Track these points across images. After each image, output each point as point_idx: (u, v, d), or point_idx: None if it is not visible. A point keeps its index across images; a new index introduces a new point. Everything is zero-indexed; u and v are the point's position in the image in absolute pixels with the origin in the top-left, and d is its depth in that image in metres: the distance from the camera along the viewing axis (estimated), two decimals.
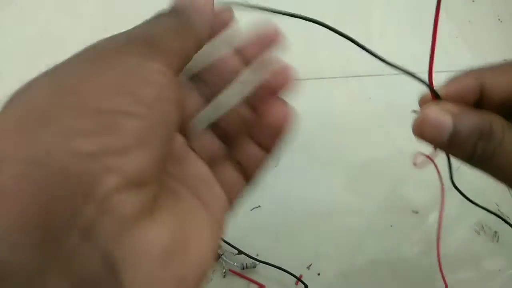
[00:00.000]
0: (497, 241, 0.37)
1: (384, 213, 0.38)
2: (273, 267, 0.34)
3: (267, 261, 0.34)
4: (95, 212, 0.12)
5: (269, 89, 0.22)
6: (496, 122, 0.19)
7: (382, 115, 0.45)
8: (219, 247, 0.35)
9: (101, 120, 0.14)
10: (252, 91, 0.22)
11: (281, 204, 0.38)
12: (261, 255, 0.36)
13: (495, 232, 0.37)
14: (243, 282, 0.35)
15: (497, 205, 0.39)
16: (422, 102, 0.24)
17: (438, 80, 0.50)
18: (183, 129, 0.20)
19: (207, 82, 0.22)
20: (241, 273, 0.35)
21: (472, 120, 0.20)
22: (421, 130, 0.21)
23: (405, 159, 0.42)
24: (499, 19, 0.57)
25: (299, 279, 0.33)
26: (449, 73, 0.55)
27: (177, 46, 0.18)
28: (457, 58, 0.52)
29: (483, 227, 0.38)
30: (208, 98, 0.22)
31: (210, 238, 0.18)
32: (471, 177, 0.41)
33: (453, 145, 0.20)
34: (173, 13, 0.19)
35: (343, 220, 0.38)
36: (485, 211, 0.38)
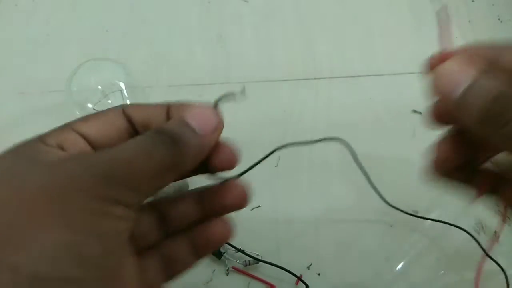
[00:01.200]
0: (497, 241, 0.37)
1: (384, 213, 0.38)
2: (273, 266, 0.34)
3: (267, 261, 0.35)
4: None
5: (223, 207, 0.22)
6: None
7: (382, 115, 0.45)
8: (222, 246, 0.35)
9: None
10: (209, 199, 0.22)
11: (281, 204, 0.38)
12: (261, 255, 0.36)
13: (495, 232, 0.37)
14: (245, 279, 0.35)
15: (497, 205, 0.39)
16: (444, 56, 0.22)
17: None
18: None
19: (164, 214, 0.22)
20: (244, 270, 0.35)
21: (491, 79, 0.18)
22: (437, 81, 0.20)
23: (405, 158, 0.43)
24: (499, 19, 0.57)
25: (299, 278, 0.33)
26: None
27: (157, 185, 0.18)
28: None
29: (483, 227, 0.38)
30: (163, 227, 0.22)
31: None
32: None
33: (466, 101, 0.18)
34: (170, 140, 0.18)
35: (343, 220, 0.38)
36: (485, 211, 0.38)
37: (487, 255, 0.33)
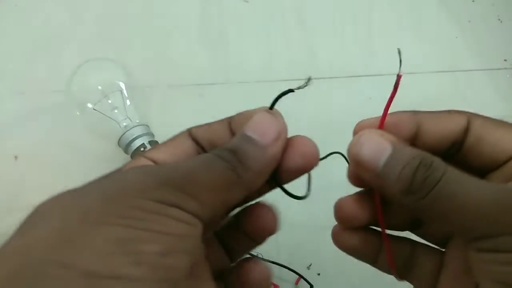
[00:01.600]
0: None
1: None
2: (274, 264, 0.34)
3: (268, 259, 0.35)
4: None
5: (254, 230, 0.21)
6: (436, 157, 0.18)
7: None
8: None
9: (88, 287, 0.13)
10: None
11: (281, 203, 0.38)
12: (261, 254, 0.36)
13: None
14: None
15: None
16: (359, 128, 0.23)
17: (439, 81, 0.50)
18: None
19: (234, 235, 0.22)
20: None
21: (411, 149, 0.19)
22: (358, 150, 0.20)
23: None
24: (499, 19, 0.57)
25: (302, 276, 0.33)
26: (449, 73, 0.55)
27: (220, 199, 0.17)
28: (457, 58, 0.52)
29: None
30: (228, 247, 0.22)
31: None
32: None
33: (388, 173, 0.18)
34: (232, 156, 0.17)
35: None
36: None
37: None
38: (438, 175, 0.17)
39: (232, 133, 0.20)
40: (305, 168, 0.20)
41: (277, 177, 0.20)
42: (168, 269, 0.15)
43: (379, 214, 0.20)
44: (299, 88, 0.20)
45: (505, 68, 0.51)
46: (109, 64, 0.41)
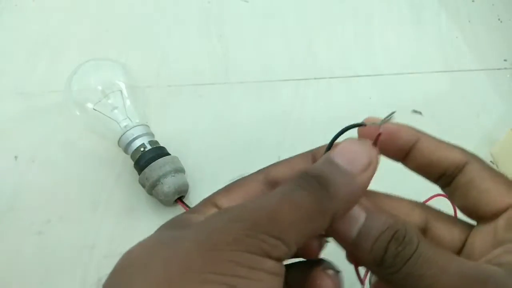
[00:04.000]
0: None
1: None
2: None
3: None
4: None
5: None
6: (411, 227, 0.17)
7: (382, 115, 0.45)
8: None
9: None
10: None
11: None
12: None
13: None
14: None
15: None
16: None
17: (439, 81, 0.50)
18: None
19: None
20: None
21: (385, 218, 0.17)
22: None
23: None
24: (499, 19, 0.57)
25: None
26: (449, 73, 0.55)
27: (306, 233, 0.16)
28: (457, 58, 0.52)
29: None
30: None
31: None
32: None
33: (361, 244, 0.17)
34: (315, 183, 0.16)
35: None
36: None
37: None
38: (410, 252, 0.16)
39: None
40: None
41: None
42: None
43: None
44: (374, 123, 0.19)
45: (505, 68, 0.51)
46: (109, 64, 0.41)
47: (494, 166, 0.42)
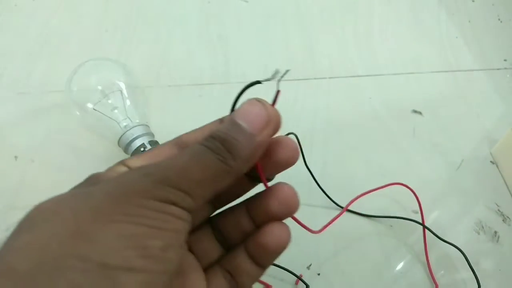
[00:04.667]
0: (497, 241, 0.37)
1: (384, 213, 0.38)
2: (273, 266, 0.34)
3: None
4: None
5: (273, 214, 0.21)
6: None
7: (382, 115, 0.45)
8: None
9: (105, 277, 0.15)
10: (256, 208, 0.21)
11: None
12: None
13: (495, 232, 0.37)
14: None
15: (497, 205, 0.39)
16: None
17: (439, 81, 0.50)
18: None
19: (221, 230, 0.22)
20: None
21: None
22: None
23: (405, 157, 0.43)
24: (499, 19, 0.57)
25: (299, 278, 0.33)
26: (449, 73, 0.55)
27: (210, 190, 0.18)
28: (457, 58, 0.52)
29: (483, 227, 0.38)
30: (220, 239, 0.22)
31: None
32: (472, 176, 0.41)
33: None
34: (220, 145, 0.18)
35: (343, 220, 0.38)
36: (485, 211, 0.38)
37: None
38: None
39: None
40: (288, 161, 0.21)
41: (256, 171, 0.20)
42: (168, 262, 0.16)
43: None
44: (267, 80, 0.20)
45: (505, 68, 0.51)
46: (109, 64, 0.41)
47: (494, 166, 0.42)
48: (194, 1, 0.57)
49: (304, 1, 0.58)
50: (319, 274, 0.35)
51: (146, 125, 0.38)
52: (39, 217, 0.16)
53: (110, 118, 0.38)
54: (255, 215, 0.21)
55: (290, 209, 0.21)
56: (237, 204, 0.22)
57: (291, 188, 0.21)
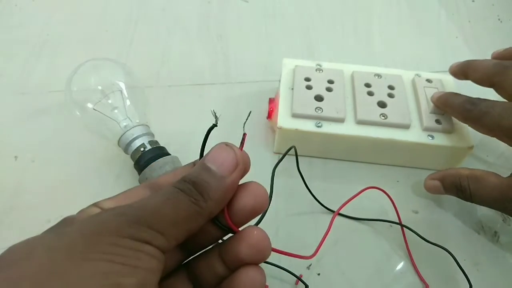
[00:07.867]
0: (497, 241, 0.37)
1: (384, 213, 0.38)
2: (273, 266, 0.34)
3: (266, 260, 0.34)
4: None
5: (243, 259, 0.21)
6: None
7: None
8: None
9: None
10: (227, 253, 0.21)
11: (280, 203, 0.38)
12: None
13: (495, 232, 0.37)
14: None
15: None
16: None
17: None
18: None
19: (195, 273, 0.22)
20: None
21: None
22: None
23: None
24: (499, 19, 0.57)
25: (299, 278, 0.33)
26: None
27: (183, 231, 0.18)
28: (457, 58, 0.52)
29: (483, 227, 0.38)
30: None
31: None
32: None
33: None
34: (192, 188, 0.19)
35: (343, 220, 0.38)
36: (485, 211, 0.38)
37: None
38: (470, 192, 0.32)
39: None
40: (256, 208, 0.21)
41: (221, 218, 0.21)
42: None
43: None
44: (217, 122, 0.21)
45: None
46: (109, 64, 0.41)
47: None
48: (194, 1, 0.57)
49: (304, 1, 0.58)
50: (319, 274, 0.35)
51: (146, 125, 0.38)
52: (12, 257, 0.16)
53: (110, 118, 0.38)
54: (227, 260, 0.21)
55: (260, 254, 0.21)
56: (210, 248, 0.22)
57: (261, 232, 0.21)
